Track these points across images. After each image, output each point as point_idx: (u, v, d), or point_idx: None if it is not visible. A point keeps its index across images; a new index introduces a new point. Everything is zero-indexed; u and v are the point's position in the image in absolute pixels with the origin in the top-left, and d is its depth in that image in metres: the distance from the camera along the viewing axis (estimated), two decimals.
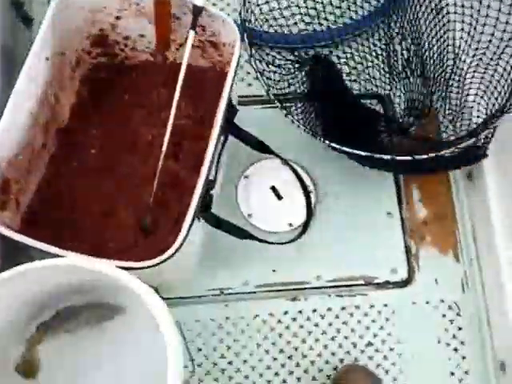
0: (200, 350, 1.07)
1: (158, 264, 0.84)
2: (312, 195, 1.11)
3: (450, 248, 1.12)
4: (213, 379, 1.06)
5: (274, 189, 1.13)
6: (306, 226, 1.09)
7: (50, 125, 1.06)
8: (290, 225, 1.11)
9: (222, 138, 0.98)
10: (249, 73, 1.21)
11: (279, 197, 1.12)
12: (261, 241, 1.01)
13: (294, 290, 1.10)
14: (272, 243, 1.03)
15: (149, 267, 0.84)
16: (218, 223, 0.98)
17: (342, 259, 1.11)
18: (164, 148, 1.00)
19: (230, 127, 1.00)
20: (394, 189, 1.15)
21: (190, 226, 0.85)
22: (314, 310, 1.09)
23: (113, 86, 1.14)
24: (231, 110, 0.97)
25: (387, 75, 1.17)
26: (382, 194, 1.15)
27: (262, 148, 1.04)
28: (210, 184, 0.93)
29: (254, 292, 1.09)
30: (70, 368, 0.94)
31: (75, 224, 1.03)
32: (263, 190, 1.13)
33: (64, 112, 1.10)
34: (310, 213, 1.10)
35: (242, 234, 1.01)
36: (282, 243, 1.05)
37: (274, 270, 1.10)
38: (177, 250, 0.85)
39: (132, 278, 0.80)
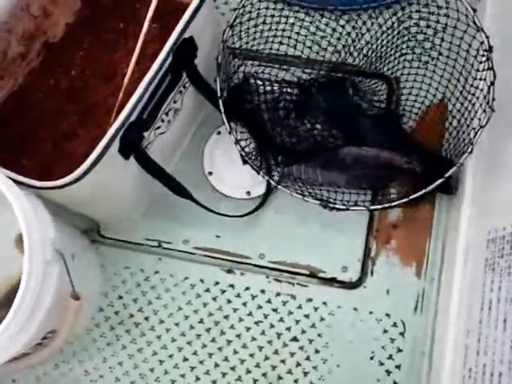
0: (121, 297, 1.02)
1: (59, 187, 0.80)
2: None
3: (414, 260, 0.99)
4: (125, 330, 1.00)
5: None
6: (262, 202, 1.01)
7: (32, 37, 1.04)
8: (248, 193, 1.03)
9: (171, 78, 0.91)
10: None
11: (245, 161, 1.04)
12: (200, 205, 0.96)
13: (232, 261, 1.01)
14: (211, 211, 0.97)
15: (48, 188, 0.80)
16: (152, 170, 0.92)
17: (292, 243, 1.01)
18: (125, 80, 0.95)
19: (189, 71, 0.93)
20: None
21: (100, 155, 0.81)
22: (247, 288, 1.00)
23: (114, 13, 1.12)
24: (188, 50, 0.90)
25: (401, 58, 1.05)
26: None
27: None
28: (140, 121, 0.86)
29: (192, 253, 1.02)
30: None
31: (33, 139, 1.02)
32: (232, 150, 1.04)
33: (57, 28, 1.09)
34: (269, 187, 1.01)
35: (180, 190, 0.95)
36: (222, 214, 0.98)
37: (217, 236, 1.03)
38: (78, 179, 0.80)
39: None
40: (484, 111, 0.86)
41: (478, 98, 0.90)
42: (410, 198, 0.89)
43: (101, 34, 1.10)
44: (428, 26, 0.99)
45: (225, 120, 0.97)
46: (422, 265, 0.99)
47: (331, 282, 0.99)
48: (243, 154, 0.95)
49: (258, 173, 0.94)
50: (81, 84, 1.07)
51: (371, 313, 0.97)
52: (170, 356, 0.98)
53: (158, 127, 0.92)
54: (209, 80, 0.98)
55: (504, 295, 0.77)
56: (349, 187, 1.00)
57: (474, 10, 0.88)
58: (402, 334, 0.96)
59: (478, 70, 0.91)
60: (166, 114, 0.93)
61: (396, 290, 0.98)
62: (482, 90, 0.89)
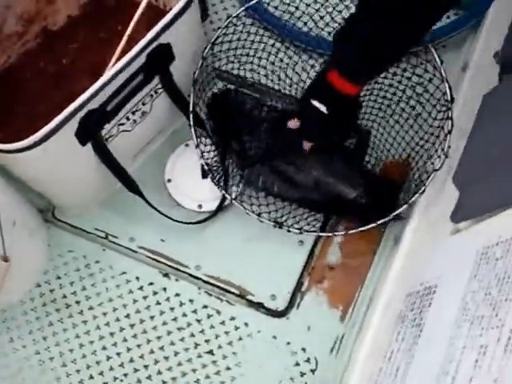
0: (59, 277, 1.06)
1: (6, 152, 0.85)
2: None
3: (341, 305, 1.02)
4: (55, 309, 1.04)
5: (203, 166, 1.09)
6: (212, 216, 1.06)
7: (32, 19, 1.11)
8: (200, 206, 1.07)
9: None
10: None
11: (204, 175, 1.08)
12: (149, 204, 1.02)
13: (170, 266, 1.05)
14: (157, 210, 1.02)
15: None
16: (107, 160, 0.98)
17: (231, 262, 1.05)
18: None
19: (163, 77, 0.98)
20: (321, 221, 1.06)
21: (54, 130, 0.86)
22: (177, 295, 1.04)
23: (115, 14, 1.17)
24: (162, 55, 0.95)
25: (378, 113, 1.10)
26: None
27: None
28: (102, 111, 0.90)
29: (135, 251, 1.07)
30: None
31: (11, 114, 1.09)
32: (194, 163, 1.09)
33: (58, 17, 1.16)
34: (221, 204, 1.06)
35: (131, 185, 1.01)
36: (171, 218, 1.03)
37: (162, 240, 1.07)
38: (28, 148, 0.86)
39: None
40: (439, 157, 0.92)
41: (433, 144, 0.96)
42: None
43: (98, 31, 1.16)
44: (402, 85, 1.05)
45: (192, 133, 1.02)
46: (348, 310, 1.02)
47: (258, 306, 1.03)
48: (205, 166, 1.01)
49: (218, 186, 1.00)
50: (68, 73, 1.14)
51: (288, 344, 1.00)
52: (91, 342, 1.02)
53: (122, 124, 0.97)
54: (183, 90, 1.03)
55: (404, 345, 0.80)
56: (301, 206, 1.04)
57: (441, 62, 0.94)
58: (312, 370, 0.99)
59: (435, 119, 0.98)
60: (133, 113, 0.98)
61: (317, 328, 1.01)
62: (438, 136, 0.95)
